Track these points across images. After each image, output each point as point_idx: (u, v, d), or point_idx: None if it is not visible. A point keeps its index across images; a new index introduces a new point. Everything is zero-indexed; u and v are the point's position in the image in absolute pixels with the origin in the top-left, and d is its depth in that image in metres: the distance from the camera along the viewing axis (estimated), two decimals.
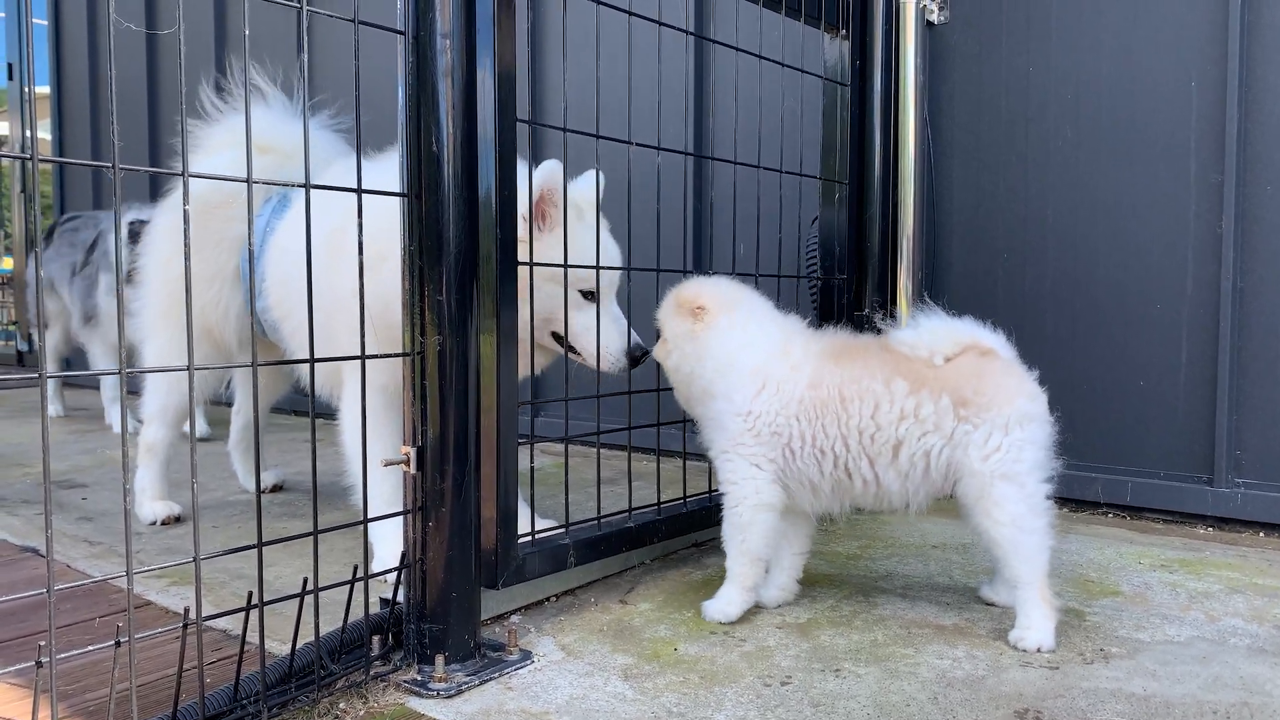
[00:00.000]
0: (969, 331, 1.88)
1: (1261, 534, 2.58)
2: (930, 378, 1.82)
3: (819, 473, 1.88)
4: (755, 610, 1.99)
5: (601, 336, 2.13)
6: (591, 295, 2.14)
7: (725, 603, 1.93)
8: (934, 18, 2.91)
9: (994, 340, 1.88)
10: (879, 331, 2.00)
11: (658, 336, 2.05)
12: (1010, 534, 1.77)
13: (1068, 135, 2.85)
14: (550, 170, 2.00)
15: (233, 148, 2.49)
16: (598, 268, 2.08)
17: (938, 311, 1.91)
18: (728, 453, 1.93)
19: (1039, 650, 1.75)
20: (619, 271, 2.22)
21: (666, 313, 2.01)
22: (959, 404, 1.80)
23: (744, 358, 1.91)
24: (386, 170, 1.82)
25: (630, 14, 2.01)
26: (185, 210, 1.32)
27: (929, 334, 1.87)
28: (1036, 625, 1.77)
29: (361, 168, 1.60)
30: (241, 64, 1.68)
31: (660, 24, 2.09)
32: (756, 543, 1.92)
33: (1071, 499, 2.82)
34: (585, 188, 2.17)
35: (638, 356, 2.16)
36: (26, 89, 6.85)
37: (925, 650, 1.77)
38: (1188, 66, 2.66)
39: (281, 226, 2.51)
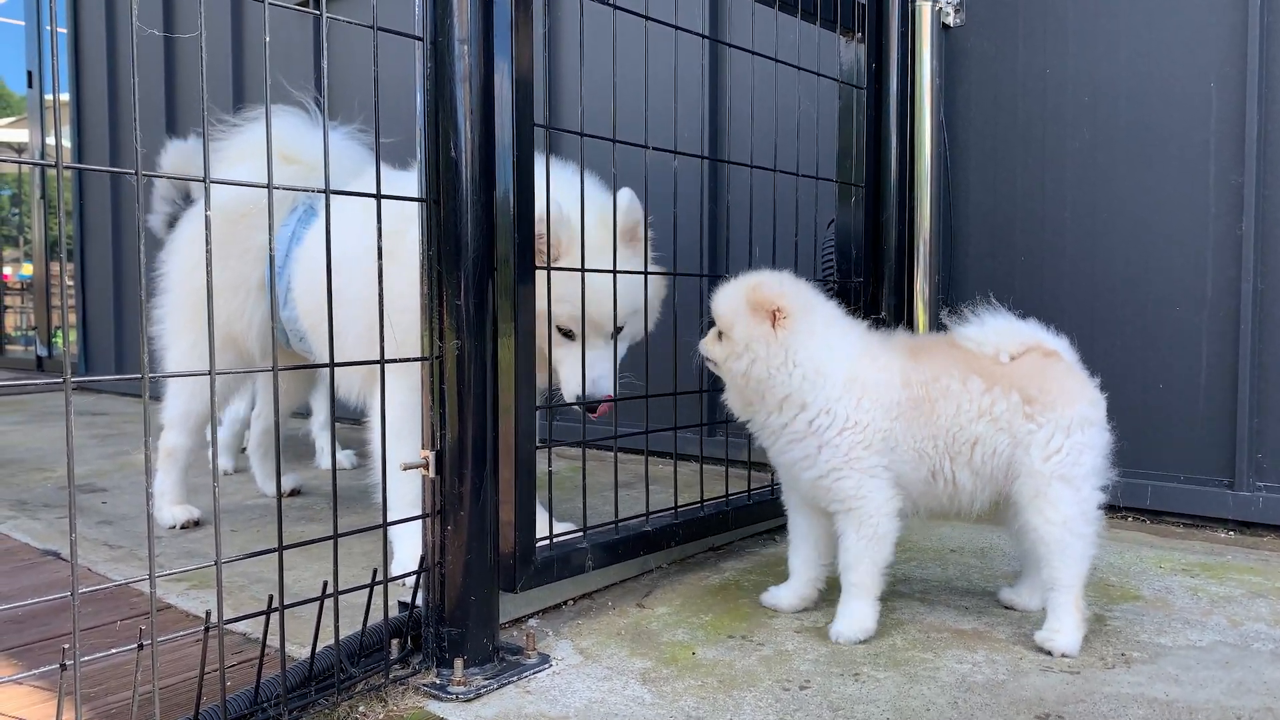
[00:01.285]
0: (1033, 332, 1.88)
1: None
2: (1000, 375, 1.82)
3: (914, 475, 1.85)
4: (773, 614, 1.99)
5: (568, 372, 2.08)
6: (570, 335, 2.09)
7: (862, 618, 1.85)
8: (950, 20, 2.91)
9: (1057, 343, 1.88)
10: (943, 328, 1.98)
11: (708, 327, 1.93)
12: (1060, 535, 1.76)
13: (1085, 137, 2.83)
14: (558, 211, 1.96)
15: (254, 158, 2.50)
16: (611, 275, 2.08)
17: (1002, 310, 1.91)
18: (840, 470, 1.84)
19: (1063, 655, 1.74)
20: (633, 310, 2.15)
21: (736, 311, 1.84)
22: (1026, 402, 1.79)
23: (834, 366, 1.84)
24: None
25: (646, 18, 2.02)
26: (207, 216, 1.33)
27: (994, 331, 1.87)
28: (1066, 630, 1.76)
29: (381, 173, 1.60)
30: (261, 73, 1.69)
31: (676, 28, 2.10)
32: (888, 552, 1.86)
33: None
34: (626, 209, 2.12)
35: (590, 408, 2.06)
36: (49, 96, 6.92)
37: (944, 655, 1.77)
38: (1206, 68, 2.64)
39: (309, 236, 2.51)
